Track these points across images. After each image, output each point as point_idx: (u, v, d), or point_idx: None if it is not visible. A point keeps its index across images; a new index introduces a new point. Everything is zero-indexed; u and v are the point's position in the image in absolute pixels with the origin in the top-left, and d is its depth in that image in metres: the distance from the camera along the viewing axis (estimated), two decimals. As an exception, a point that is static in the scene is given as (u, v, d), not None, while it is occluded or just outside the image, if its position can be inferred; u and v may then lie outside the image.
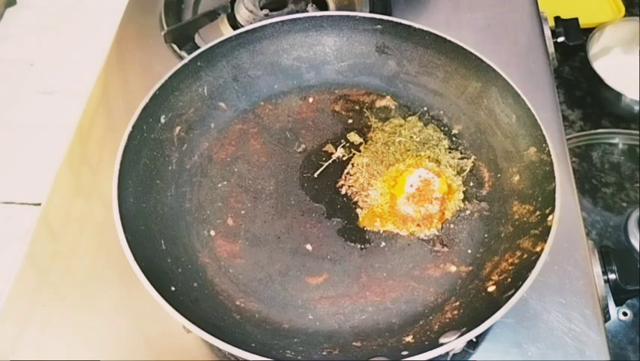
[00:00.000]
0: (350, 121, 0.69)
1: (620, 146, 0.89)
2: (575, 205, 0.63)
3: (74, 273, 0.61)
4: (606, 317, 0.57)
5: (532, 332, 0.55)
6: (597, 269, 0.59)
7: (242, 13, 0.80)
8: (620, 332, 0.72)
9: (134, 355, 0.55)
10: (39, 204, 1.40)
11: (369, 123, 0.68)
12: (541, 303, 0.56)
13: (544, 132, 0.57)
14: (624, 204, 0.83)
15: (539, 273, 0.58)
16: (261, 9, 0.79)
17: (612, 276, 0.60)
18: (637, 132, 0.89)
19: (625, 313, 0.73)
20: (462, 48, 0.64)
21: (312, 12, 0.69)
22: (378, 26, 0.68)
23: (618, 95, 0.87)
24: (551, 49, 0.81)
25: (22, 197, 1.48)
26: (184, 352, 0.56)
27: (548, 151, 0.56)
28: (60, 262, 0.62)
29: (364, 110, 0.70)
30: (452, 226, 0.60)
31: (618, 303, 0.60)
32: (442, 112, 0.68)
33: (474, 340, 0.49)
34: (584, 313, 0.56)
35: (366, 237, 0.60)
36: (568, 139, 0.78)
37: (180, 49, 0.78)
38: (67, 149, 0.70)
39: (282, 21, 0.68)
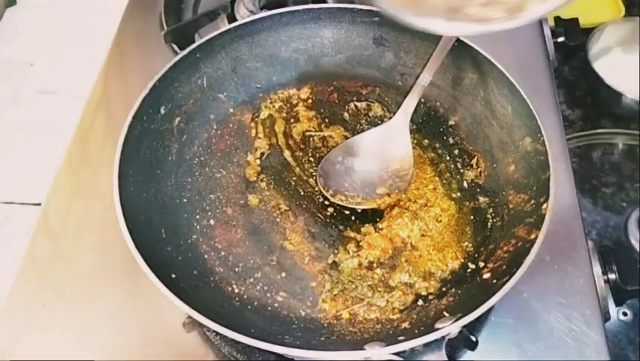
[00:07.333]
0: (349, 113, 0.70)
1: (620, 146, 0.89)
2: (575, 205, 0.63)
3: (74, 273, 0.61)
4: (606, 316, 0.57)
5: (532, 332, 0.55)
6: (597, 269, 0.59)
7: (242, 13, 0.80)
8: (620, 332, 0.72)
9: (134, 355, 0.56)
10: (39, 204, 1.40)
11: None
12: (541, 303, 0.57)
13: (539, 122, 0.57)
14: (624, 204, 0.83)
15: (539, 273, 0.58)
16: (261, 9, 0.79)
17: (612, 276, 0.60)
18: (637, 132, 0.88)
19: (625, 313, 0.73)
20: (458, 40, 0.64)
21: (311, 4, 0.70)
22: (376, 18, 0.68)
23: (618, 95, 0.86)
24: (551, 49, 0.81)
25: (22, 197, 1.48)
26: (184, 352, 0.56)
27: (543, 141, 0.56)
28: (60, 262, 0.62)
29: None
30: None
31: (618, 303, 0.60)
32: (438, 103, 0.68)
33: (474, 340, 0.49)
34: (584, 313, 0.56)
35: (364, 226, 0.60)
36: (568, 139, 0.78)
37: (180, 49, 0.78)
38: (67, 149, 0.71)
39: (281, 13, 0.68)
